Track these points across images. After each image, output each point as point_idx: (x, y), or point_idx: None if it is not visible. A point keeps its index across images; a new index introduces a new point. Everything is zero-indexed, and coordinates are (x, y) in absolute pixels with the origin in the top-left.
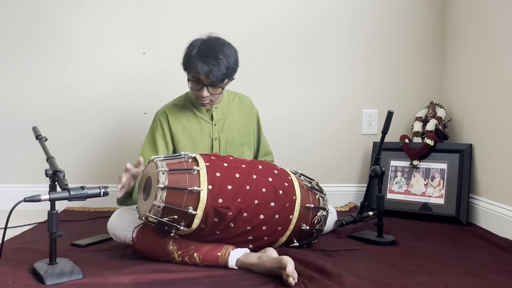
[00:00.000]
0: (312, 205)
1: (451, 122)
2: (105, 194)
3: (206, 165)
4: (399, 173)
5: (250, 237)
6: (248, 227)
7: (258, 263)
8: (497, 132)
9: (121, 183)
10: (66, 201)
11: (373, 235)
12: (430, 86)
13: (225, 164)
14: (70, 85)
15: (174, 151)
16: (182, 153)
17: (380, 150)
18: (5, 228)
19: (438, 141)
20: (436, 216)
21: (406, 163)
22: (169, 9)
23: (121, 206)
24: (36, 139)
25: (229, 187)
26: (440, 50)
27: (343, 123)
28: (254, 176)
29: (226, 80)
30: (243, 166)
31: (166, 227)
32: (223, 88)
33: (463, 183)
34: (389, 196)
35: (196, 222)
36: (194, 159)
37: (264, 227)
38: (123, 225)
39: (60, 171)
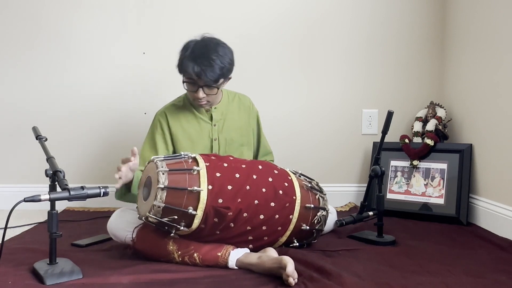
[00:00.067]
0: (312, 205)
1: (451, 122)
2: (105, 194)
3: (206, 165)
4: (399, 173)
5: (250, 237)
6: (248, 227)
7: (258, 263)
8: (497, 132)
9: (118, 174)
10: (66, 201)
11: (373, 235)
12: (430, 86)
13: (225, 164)
14: (70, 85)
15: (174, 152)
16: (182, 153)
17: (380, 150)
18: (5, 228)
19: (438, 141)
20: (436, 216)
21: (406, 163)
22: (169, 9)
23: (119, 201)
24: (36, 139)
25: (229, 187)
26: (440, 50)
27: (343, 123)
28: (254, 176)
29: (222, 80)
30: (243, 166)
31: (166, 227)
32: (218, 88)
33: (463, 183)
34: (389, 196)
35: (196, 222)
36: (194, 159)
37: (264, 227)
38: (123, 225)
39: (60, 171)
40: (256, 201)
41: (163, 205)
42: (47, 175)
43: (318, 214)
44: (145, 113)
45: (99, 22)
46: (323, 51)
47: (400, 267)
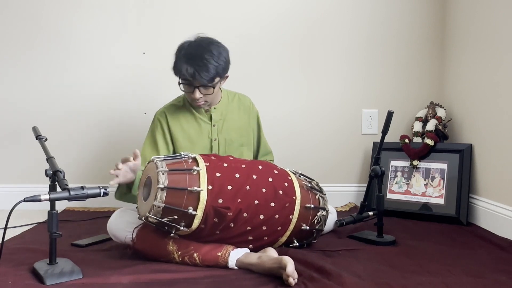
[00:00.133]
0: (312, 205)
1: (451, 122)
2: (105, 194)
3: (206, 165)
4: (399, 173)
5: (250, 237)
6: (248, 227)
7: (258, 263)
8: (497, 132)
9: (114, 172)
10: (66, 201)
11: (373, 235)
12: (430, 86)
13: (225, 164)
14: (70, 85)
15: (174, 152)
16: (182, 153)
17: (380, 150)
18: (5, 228)
19: (438, 141)
20: (436, 216)
21: (406, 163)
22: (169, 9)
23: (119, 201)
24: (36, 139)
25: (229, 187)
26: (440, 50)
27: (343, 123)
28: (254, 176)
29: (218, 79)
30: (243, 166)
31: (166, 227)
32: (215, 88)
33: (463, 183)
34: (389, 196)
35: (196, 222)
36: (194, 159)
37: (264, 227)
38: (123, 225)
39: (60, 171)
40: (256, 201)
41: (163, 205)
42: (47, 175)
43: (318, 214)
44: (145, 113)
45: (99, 22)
46: (323, 51)
47: (400, 267)
